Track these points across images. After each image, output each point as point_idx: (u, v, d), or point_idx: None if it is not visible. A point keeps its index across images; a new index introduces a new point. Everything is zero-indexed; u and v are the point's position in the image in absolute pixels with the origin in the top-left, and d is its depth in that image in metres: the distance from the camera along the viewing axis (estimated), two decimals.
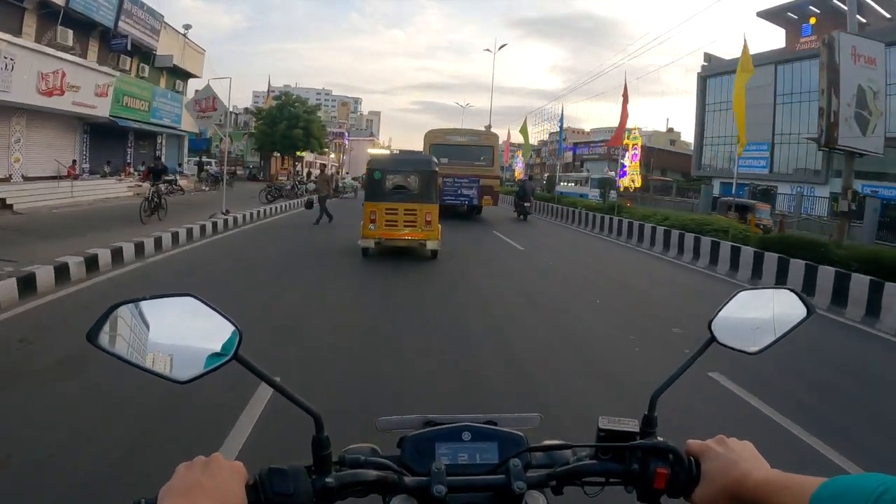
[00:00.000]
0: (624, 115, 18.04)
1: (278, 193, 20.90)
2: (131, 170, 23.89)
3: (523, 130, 30.14)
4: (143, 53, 24.09)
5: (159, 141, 26.98)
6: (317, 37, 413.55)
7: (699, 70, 55.91)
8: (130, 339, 0.72)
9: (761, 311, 0.92)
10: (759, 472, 0.71)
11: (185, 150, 30.22)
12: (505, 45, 47.55)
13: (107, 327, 0.71)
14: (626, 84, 18.77)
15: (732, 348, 0.90)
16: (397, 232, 10.07)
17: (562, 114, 25.90)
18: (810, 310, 0.91)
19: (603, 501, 0.88)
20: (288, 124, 36.15)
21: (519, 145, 55.33)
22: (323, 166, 19.27)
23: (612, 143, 20.53)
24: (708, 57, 56.30)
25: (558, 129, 26.59)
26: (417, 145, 20.53)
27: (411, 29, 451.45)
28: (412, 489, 0.78)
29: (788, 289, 0.94)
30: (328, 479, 0.74)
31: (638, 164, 50.68)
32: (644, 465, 0.80)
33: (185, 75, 28.34)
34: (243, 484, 0.70)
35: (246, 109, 44.00)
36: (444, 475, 0.78)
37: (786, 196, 38.56)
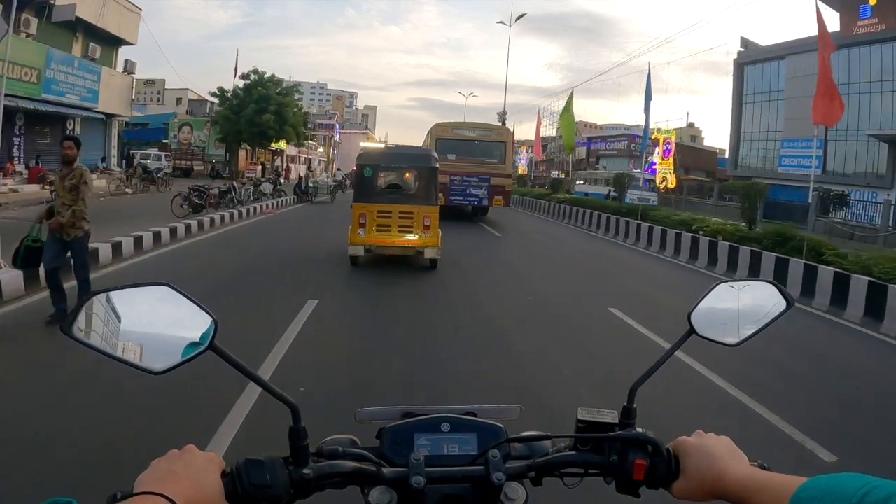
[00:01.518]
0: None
1: (200, 201, 14.11)
2: (18, 165, 17.23)
3: (567, 107, 22.85)
4: (38, 5, 17.45)
5: (70, 127, 20.21)
6: (313, 33, 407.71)
7: (735, 56, 50.66)
8: (105, 329, 0.71)
9: (741, 304, 0.91)
10: (739, 469, 0.71)
11: (114, 139, 23.42)
12: (524, 14, 40.94)
13: (82, 318, 0.70)
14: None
15: (712, 340, 0.89)
16: (390, 238, 8.91)
17: (648, 75, 18.33)
18: (789, 302, 0.91)
19: (582, 492, 0.86)
20: (256, 108, 29.18)
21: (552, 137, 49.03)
22: (71, 147, 5.49)
23: None
24: (745, 42, 51.00)
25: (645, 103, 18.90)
26: (415, 142, 19.43)
27: (407, 25, 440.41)
28: (390, 480, 0.77)
29: (768, 281, 0.94)
30: (305, 471, 0.73)
31: (672, 160, 44.63)
32: (623, 457, 0.79)
33: (111, 40, 21.64)
34: (219, 473, 0.69)
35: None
36: (423, 466, 0.77)
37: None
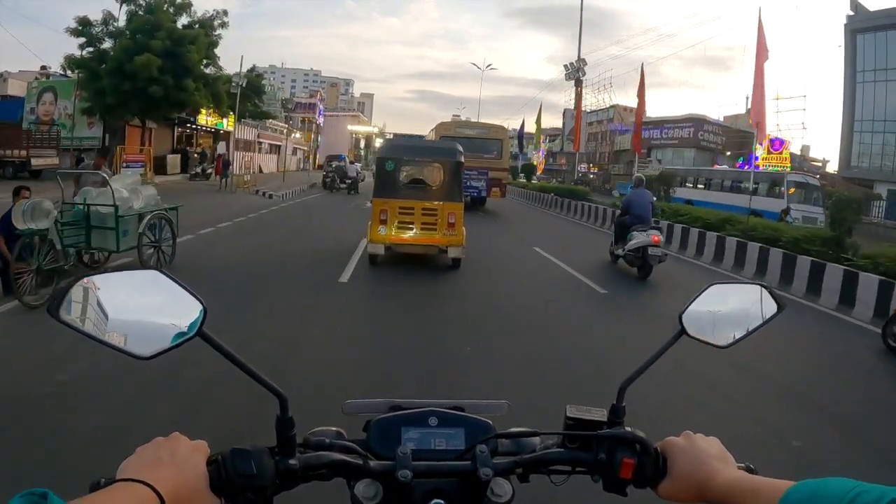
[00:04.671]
0: None
1: None
2: None
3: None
4: None
5: None
6: (311, 24, 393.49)
7: (844, 21, 38.70)
8: (92, 313, 0.70)
9: (732, 306, 0.91)
10: (726, 472, 0.71)
11: None
12: None
13: (68, 301, 0.68)
14: None
15: (702, 341, 0.90)
16: (412, 236, 8.57)
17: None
18: (781, 306, 0.91)
19: (569, 490, 0.87)
20: (132, 47, 16.09)
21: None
22: None
23: None
24: (854, 5, 38.74)
25: None
26: (414, 133, 17.86)
27: (407, 17, 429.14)
28: (377, 473, 0.77)
29: (761, 284, 0.93)
30: (291, 461, 0.73)
31: (786, 153, 32.51)
32: (611, 455, 0.80)
33: None
34: (205, 462, 0.68)
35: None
36: (410, 460, 0.77)
37: None
